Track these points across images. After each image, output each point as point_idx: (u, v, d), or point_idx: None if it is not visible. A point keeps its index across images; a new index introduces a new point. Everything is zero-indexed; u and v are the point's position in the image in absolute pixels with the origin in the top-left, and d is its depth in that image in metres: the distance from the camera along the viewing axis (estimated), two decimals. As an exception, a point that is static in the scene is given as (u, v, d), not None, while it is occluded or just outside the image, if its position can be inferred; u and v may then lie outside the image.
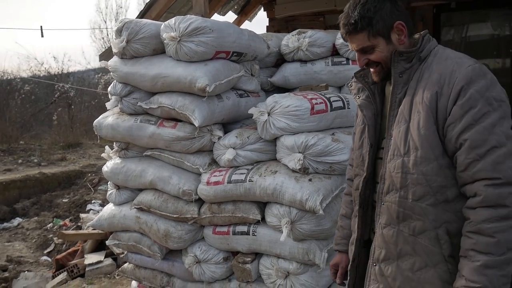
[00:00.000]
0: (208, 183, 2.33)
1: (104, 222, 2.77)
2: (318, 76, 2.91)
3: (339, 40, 2.84)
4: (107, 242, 2.85)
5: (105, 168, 2.78)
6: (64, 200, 7.61)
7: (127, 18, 2.57)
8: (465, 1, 4.34)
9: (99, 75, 16.48)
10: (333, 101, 2.33)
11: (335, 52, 2.93)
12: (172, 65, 2.38)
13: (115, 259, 4.35)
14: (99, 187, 7.97)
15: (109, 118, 2.67)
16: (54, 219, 6.65)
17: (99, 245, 4.60)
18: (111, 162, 2.75)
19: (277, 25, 4.96)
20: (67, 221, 6.46)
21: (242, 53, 2.56)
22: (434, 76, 1.33)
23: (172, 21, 2.35)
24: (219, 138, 2.43)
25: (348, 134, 2.32)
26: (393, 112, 1.40)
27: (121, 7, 21.40)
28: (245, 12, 5.33)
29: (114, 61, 2.61)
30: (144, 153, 2.61)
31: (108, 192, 2.83)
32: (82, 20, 43.56)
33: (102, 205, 6.97)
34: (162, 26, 2.40)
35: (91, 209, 6.68)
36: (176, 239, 2.47)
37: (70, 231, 5.29)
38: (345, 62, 2.87)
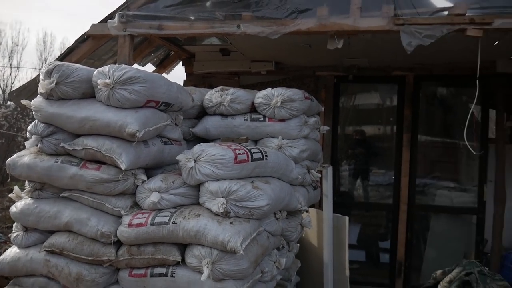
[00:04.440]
0: (130, 225, 2.38)
1: (6, 266, 2.62)
2: (237, 130, 3.17)
3: (258, 99, 3.17)
4: (8, 289, 2.67)
5: (13, 209, 2.66)
6: None
7: (57, 61, 2.63)
8: (359, 76, 5.05)
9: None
10: (253, 153, 2.57)
11: (253, 109, 3.24)
12: (102, 109, 2.46)
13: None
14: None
15: (25, 157, 2.61)
16: None
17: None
18: (22, 203, 2.65)
19: (194, 80, 5.25)
20: None
21: (170, 103, 2.74)
22: None
23: (106, 68, 2.47)
24: (143, 181, 2.52)
25: (265, 182, 2.56)
26: None
27: (17, 45, 20.16)
28: (163, 65, 5.55)
29: (38, 101, 2.60)
30: (62, 194, 2.58)
31: (13, 235, 2.69)
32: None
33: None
34: (95, 72, 2.50)
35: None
36: (89, 283, 2.43)
37: None
38: (262, 119, 3.18)
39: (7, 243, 5.70)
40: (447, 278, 3.22)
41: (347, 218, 3.71)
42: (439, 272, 3.44)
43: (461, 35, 3.25)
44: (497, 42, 3.95)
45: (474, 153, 4.05)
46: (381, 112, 5.78)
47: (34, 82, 4.03)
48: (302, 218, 3.16)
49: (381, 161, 5.63)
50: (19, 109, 12.04)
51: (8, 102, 15.23)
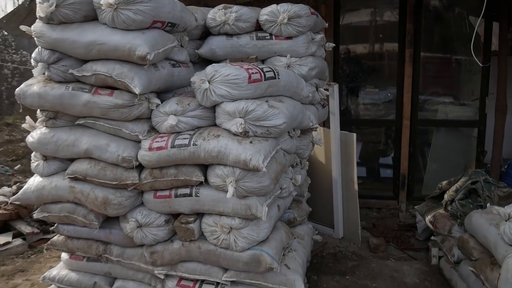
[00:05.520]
0: (150, 149, 2.39)
1: (32, 195, 2.66)
2: (244, 50, 3.09)
3: (263, 17, 3.05)
4: (35, 215, 2.74)
5: (30, 139, 2.65)
6: None
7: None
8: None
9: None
10: (266, 72, 2.53)
11: (258, 27, 3.12)
12: (108, 32, 2.36)
13: (24, 239, 4.11)
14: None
15: (34, 86, 2.54)
16: None
17: (4, 227, 4.29)
18: (38, 132, 2.64)
19: (188, 0, 4.98)
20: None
21: (176, 24, 2.63)
22: None
23: (107, -13, 2.32)
24: (157, 105, 2.50)
25: (279, 101, 2.55)
26: None
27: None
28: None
29: (39, 27, 2.48)
30: (77, 122, 2.56)
31: (34, 164, 2.71)
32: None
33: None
34: (96, -7, 2.36)
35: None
36: (116, 206, 2.50)
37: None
38: (268, 37, 3.08)
39: (14, 175, 5.76)
40: (453, 188, 3.34)
41: (354, 134, 3.76)
42: (444, 182, 3.56)
43: None
44: None
45: (481, 65, 4.02)
46: (382, 27, 5.64)
47: (23, 7, 3.81)
48: (312, 136, 3.21)
49: (383, 78, 5.60)
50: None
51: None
